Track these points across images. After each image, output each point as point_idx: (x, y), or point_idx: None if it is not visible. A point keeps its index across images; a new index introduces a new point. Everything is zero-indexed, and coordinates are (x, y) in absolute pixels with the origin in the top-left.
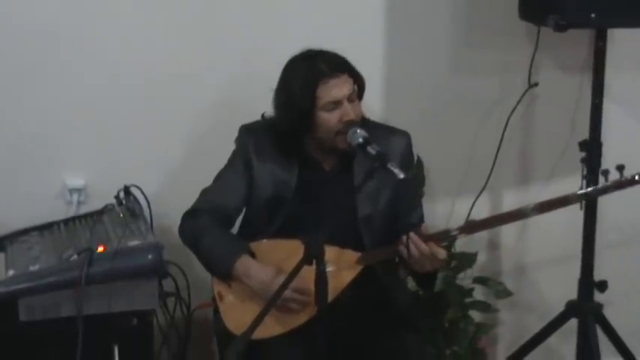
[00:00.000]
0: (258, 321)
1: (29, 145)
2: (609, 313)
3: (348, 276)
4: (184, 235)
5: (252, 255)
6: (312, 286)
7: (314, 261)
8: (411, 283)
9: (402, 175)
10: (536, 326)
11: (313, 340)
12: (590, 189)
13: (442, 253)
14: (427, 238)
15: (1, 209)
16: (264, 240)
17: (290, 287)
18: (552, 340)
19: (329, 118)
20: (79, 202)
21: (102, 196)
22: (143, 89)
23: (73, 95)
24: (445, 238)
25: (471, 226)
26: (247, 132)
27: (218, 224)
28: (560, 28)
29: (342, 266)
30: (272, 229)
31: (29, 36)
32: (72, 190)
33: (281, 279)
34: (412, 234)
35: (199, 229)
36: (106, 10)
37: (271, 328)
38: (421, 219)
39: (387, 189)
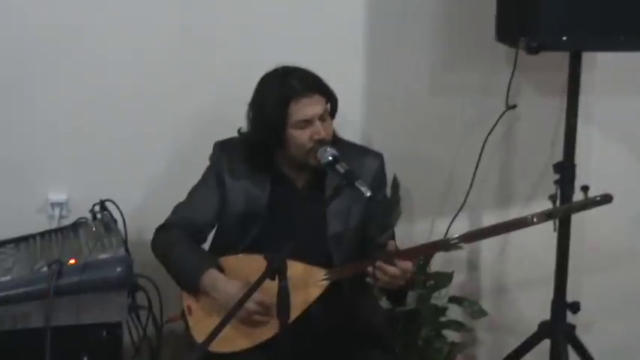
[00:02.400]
0: (216, 331)
1: (12, 159)
2: (587, 335)
3: (314, 292)
4: (156, 248)
5: (221, 270)
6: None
7: (277, 276)
8: (384, 302)
9: (368, 194)
10: (515, 347)
11: (280, 355)
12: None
13: (409, 266)
14: (394, 256)
15: None
16: (233, 255)
17: (253, 300)
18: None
19: (299, 136)
20: (61, 216)
21: (84, 211)
22: (127, 105)
23: (56, 109)
24: (410, 253)
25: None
26: (221, 148)
27: (189, 239)
28: (531, 50)
29: (309, 282)
30: (244, 245)
31: (12, 50)
32: (54, 204)
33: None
34: (378, 263)
35: (170, 243)
36: (90, 28)
37: (238, 342)
38: (391, 239)
39: (358, 208)
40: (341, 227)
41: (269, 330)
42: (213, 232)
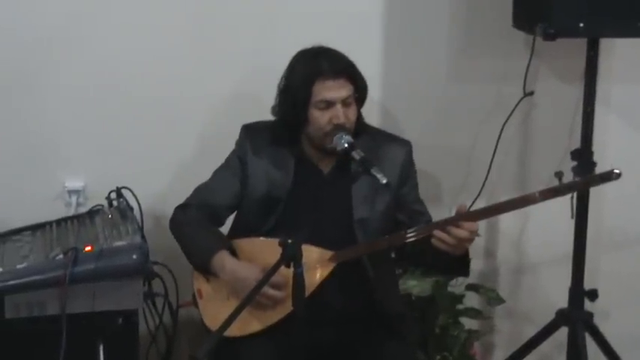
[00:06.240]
0: (230, 320)
1: (29, 147)
2: (605, 323)
3: (321, 273)
4: (173, 226)
5: (234, 252)
6: (285, 283)
7: (291, 263)
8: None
9: (384, 181)
10: (532, 334)
11: (288, 339)
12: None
13: (475, 227)
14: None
15: (1, 210)
16: (249, 238)
17: (257, 281)
18: (546, 348)
19: (319, 117)
20: (78, 204)
21: (101, 198)
22: (145, 91)
23: (74, 97)
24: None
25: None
26: (247, 131)
27: (205, 220)
28: (548, 36)
29: (317, 265)
30: (265, 229)
31: (29, 38)
32: (71, 192)
33: (255, 275)
34: (447, 227)
35: (185, 223)
36: (107, 11)
37: (246, 325)
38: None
39: (384, 194)
40: (367, 213)
41: (278, 312)
42: (234, 215)
